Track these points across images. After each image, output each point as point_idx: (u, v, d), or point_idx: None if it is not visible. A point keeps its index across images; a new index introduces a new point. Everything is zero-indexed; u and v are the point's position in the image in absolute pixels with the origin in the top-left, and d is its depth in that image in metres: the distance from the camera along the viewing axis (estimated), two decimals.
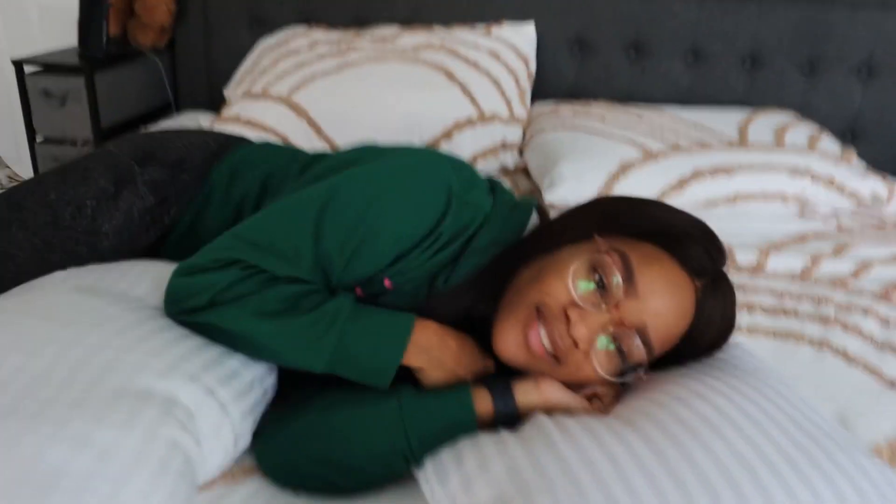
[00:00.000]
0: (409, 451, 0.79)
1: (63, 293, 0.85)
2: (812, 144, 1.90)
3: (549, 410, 0.81)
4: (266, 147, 1.14)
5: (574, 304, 0.78)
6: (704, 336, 0.84)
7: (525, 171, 1.93)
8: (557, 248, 0.84)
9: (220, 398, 0.79)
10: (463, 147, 1.88)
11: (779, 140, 1.91)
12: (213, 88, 2.33)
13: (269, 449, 0.84)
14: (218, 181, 1.07)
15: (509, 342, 0.82)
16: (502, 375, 0.85)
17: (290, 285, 0.81)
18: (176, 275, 0.83)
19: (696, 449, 0.70)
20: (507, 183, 1.80)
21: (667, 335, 0.80)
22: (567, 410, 0.81)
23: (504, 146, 1.94)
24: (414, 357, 0.83)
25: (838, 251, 1.56)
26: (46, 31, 2.47)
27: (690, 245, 0.81)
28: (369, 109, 1.90)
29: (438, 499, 0.74)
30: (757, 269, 1.48)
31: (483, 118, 1.94)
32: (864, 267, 1.49)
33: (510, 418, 0.81)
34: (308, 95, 1.93)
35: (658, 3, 2.16)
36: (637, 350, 0.79)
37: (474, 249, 0.88)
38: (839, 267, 1.50)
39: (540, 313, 0.80)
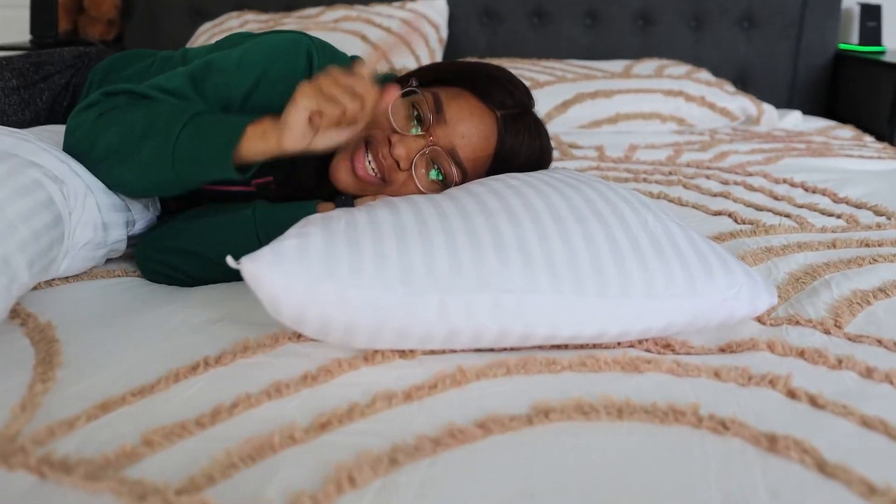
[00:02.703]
0: (258, 246, 0.93)
1: None
2: (688, 75, 2.10)
3: None
4: (140, 50, 1.33)
5: (395, 132, 0.96)
6: (514, 161, 1.01)
7: None
8: None
9: (85, 180, 0.93)
10: None
11: (658, 74, 2.10)
12: None
13: (146, 243, 0.99)
14: (99, 71, 1.24)
15: (341, 170, 0.99)
16: None
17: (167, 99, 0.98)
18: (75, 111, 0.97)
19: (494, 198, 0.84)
20: None
21: (474, 155, 0.98)
22: None
23: None
24: (252, 142, 0.98)
25: (703, 148, 1.73)
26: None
27: (490, 85, 1.01)
28: None
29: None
30: (623, 160, 1.65)
31: (394, 71, 2.13)
32: (721, 155, 1.66)
33: None
34: None
35: None
36: (452, 170, 0.97)
37: None
38: (700, 156, 1.66)
39: (368, 144, 0.97)
